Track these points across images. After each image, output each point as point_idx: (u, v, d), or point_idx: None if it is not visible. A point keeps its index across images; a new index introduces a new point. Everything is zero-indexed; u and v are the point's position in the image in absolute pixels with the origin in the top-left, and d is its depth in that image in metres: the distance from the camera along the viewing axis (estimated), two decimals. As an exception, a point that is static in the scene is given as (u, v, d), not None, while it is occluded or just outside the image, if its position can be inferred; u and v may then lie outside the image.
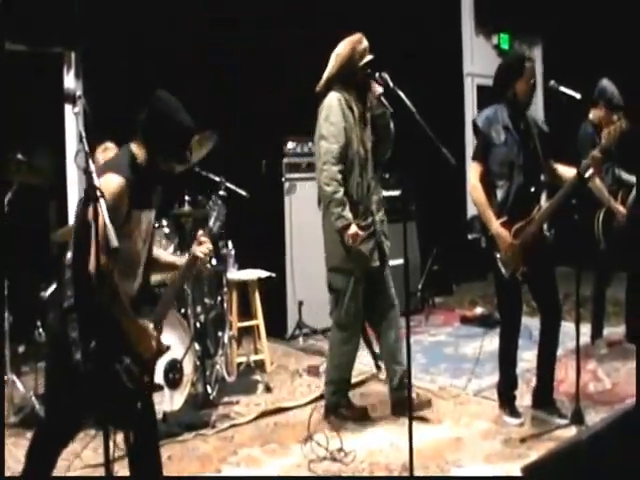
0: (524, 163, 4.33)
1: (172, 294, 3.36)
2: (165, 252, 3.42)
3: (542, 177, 4.44)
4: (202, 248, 3.21)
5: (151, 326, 3.07)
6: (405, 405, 4.34)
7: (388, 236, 4.74)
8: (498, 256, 4.33)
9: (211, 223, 3.37)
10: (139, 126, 3.01)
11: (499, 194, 4.35)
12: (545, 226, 4.42)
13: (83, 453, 4.14)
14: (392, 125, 4.56)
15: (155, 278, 5.03)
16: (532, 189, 4.36)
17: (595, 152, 4.26)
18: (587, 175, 4.25)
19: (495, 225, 4.30)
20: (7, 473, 3.82)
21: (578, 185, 4.24)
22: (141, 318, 3.04)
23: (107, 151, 5.01)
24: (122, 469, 3.90)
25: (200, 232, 3.19)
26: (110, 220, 2.61)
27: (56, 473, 3.93)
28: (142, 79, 6.14)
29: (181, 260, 3.36)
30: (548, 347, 4.51)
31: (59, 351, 2.97)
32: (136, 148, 3.03)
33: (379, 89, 4.25)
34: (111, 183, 2.85)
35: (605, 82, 5.54)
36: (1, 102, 5.28)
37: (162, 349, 3.15)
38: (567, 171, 4.42)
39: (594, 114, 5.58)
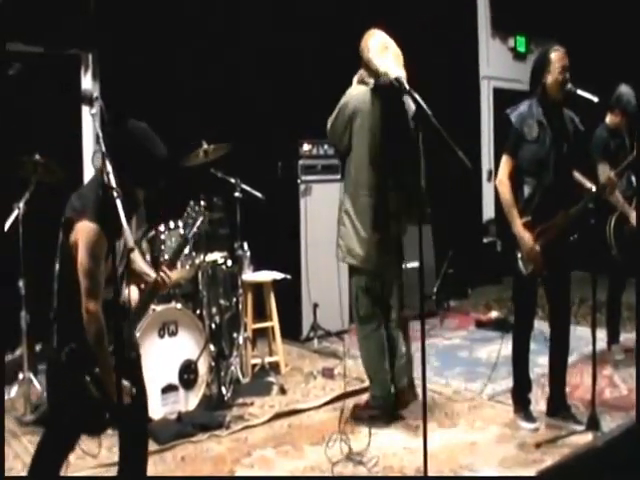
0: (555, 162, 4.25)
1: (135, 321, 3.33)
2: (139, 257, 3.46)
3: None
4: (164, 276, 3.24)
5: (125, 383, 3.01)
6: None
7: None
8: (519, 256, 4.29)
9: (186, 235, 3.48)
10: (113, 156, 2.88)
11: (526, 191, 4.29)
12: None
13: (96, 451, 4.16)
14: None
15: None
16: (561, 189, 4.28)
17: (611, 175, 4.31)
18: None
19: (519, 226, 4.25)
20: (23, 471, 3.85)
21: (598, 197, 4.31)
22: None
23: None
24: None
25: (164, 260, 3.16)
26: (96, 268, 2.89)
27: (70, 472, 3.98)
28: (159, 80, 6.18)
29: (147, 274, 3.35)
30: (559, 351, 4.48)
31: (47, 357, 3.13)
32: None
33: None
34: (89, 232, 2.91)
35: (623, 88, 5.50)
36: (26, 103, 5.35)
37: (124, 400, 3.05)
38: (584, 181, 4.44)
39: (610, 119, 5.55)
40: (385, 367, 4.70)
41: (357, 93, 4.52)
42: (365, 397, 4.88)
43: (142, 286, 3.40)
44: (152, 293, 3.33)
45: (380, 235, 4.54)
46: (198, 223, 3.57)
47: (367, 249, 4.53)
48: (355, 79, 4.62)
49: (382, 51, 4.44)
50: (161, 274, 3.24)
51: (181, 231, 5.10)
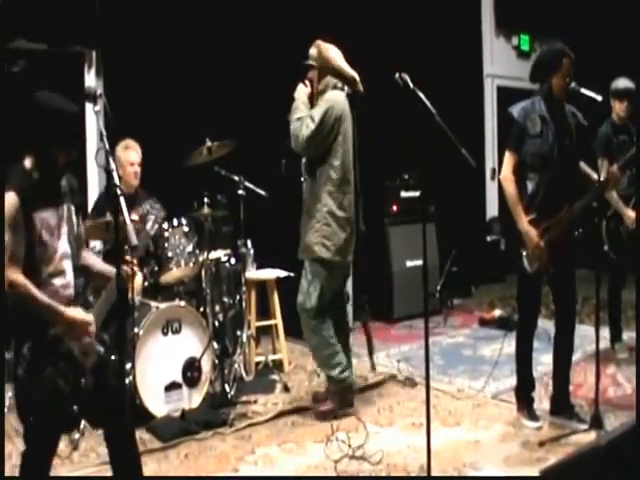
0: (559, 156, 4.24)
1: (102, 310, 3.24)
2: (98, 260, 3.47)
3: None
4: (128, 269, 3.23)
5: (83, 312, 3.06)
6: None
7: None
8: (524, 253, 4.28)
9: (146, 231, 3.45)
10: (23, 133, 3.05)
11: (530, 187, 4.28)
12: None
13: (99, 449, 4.17)
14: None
15: (174, 276, 5.10)
16: (565, 184, 4.26)
17: (613, 168, 4.30)
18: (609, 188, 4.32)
19: (524, 223, 4.24)
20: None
21: (600, 192, 4.29)
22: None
23: (128, 149, 5.05)
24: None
25: (126, 248, 3.15)
26: (12, 237, 2.89)
27: (73, 469, 3.98)
28: (163, 78, 6.18)
29: (110, 272, 3.30)
30: (564, 349, 4.46)
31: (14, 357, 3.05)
32: (26, 160, 3.07)
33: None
34: (6, 202, 2.92)
35: (620, 79, 5.51)
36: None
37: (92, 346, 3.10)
38: (591, 173, 4.41)
39: (615, 113, 5.53)
40: (339, 347, 4.83)
41: (337, 98, 4.72)
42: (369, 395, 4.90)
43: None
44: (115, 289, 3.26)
45: (360, 230, 4.90)
46: (160, 220, 3.58)
47: (350, 244, 4.81)
48: (304, 88, 4.84)
49: (343, 61, 4.81)
50: (125, 268, 3.21)
51: (185, 229, 5.11)
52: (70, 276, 3.15)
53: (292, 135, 4.75)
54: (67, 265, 3.13)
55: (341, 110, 4.68)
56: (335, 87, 4.76)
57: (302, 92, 4.84)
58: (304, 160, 4.86)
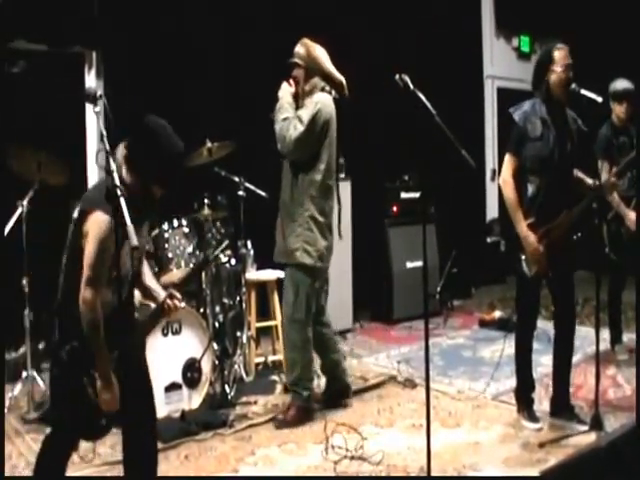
0: (559, 160, 4.23)
1: (139, 341, 3.27)
2: (149, 272, 3.40)
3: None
4: (171, 303, 3.22)
5: (117, 397, 2.98)
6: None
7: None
8: (523, 257, 4.28)
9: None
10: (129, 152, 3.02)
11: (529, 190, 4.26)
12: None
13: (100, 450, 4.17)
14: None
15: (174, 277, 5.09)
16: (564, 188, 4.26)
17: (611, 177, 4.32)
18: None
19: (523, 228, 4.22)
20: (27, 469, 3.87)
21: (598, 195, 4.31)
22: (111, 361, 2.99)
23: None
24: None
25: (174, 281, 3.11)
26: (101, 259, 2.87)
27: (73, 469, 3.98)
28: (163, 78, 6.18)
29: (157, 291, 3.31)
30: (564, 351, 4.46)
31: (50, 350, 3.03)
32: (124, 172, 3.02)
33: None
34: (101, 223, 2.90)
35: (618, 81, 5.51)
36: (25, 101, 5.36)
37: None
38: (584, 178, 4.42)
39: (615, 115, 5.52)
40: (312, 357, 4.87)
41: (325, 100, 4.63)
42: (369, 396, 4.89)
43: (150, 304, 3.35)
44: (157, 315, 3.30)
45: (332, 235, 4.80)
46: (223, 246, 3.57)
47: (330, 251, 4.78)
48: (289, 87, 4.73)
49: (330, 63, 4.74)
50: (168, 301, 3.21)
51: (185, 230, 5.11)
52: (124, 292, 3.09)
53: (278, 136, 4.63)
54: (125, 280, 3.09)
55: (329, 113, 4.60)
56: (323, 89, 4.67)
57: (287, 91, 4.72)
58: (287, 162, 4.78)
